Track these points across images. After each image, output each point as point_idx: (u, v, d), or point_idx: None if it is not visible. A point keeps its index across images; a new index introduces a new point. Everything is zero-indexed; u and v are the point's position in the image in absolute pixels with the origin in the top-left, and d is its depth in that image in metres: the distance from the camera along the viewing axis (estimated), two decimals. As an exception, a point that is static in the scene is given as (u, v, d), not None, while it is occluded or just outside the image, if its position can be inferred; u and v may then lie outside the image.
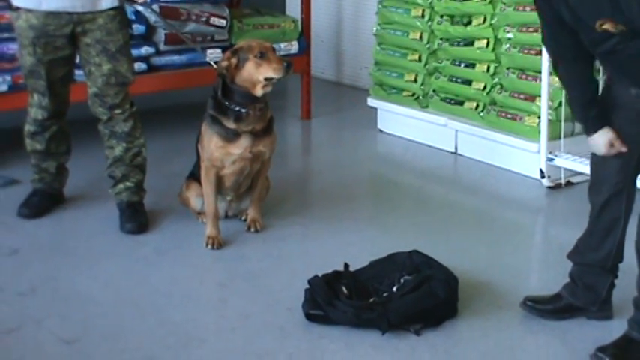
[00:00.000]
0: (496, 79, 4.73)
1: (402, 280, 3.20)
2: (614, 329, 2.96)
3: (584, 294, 3.11)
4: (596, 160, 3.00)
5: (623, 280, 3.10)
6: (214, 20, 5.00)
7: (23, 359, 2.93)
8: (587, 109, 2.92)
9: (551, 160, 4.39)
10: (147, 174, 4.02)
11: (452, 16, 4.90)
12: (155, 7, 4.74)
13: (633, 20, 2.60)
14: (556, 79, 4.24)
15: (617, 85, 2.86)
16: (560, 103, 4.37)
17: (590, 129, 2.91)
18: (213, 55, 4.82)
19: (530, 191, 4.43)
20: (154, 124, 5.08)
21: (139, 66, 4.69)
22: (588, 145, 2.96)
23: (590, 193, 3.05)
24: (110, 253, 3.71)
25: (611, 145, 2.88)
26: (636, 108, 2.83)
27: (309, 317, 3.13)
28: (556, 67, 3.02)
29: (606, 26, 2.64)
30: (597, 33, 2.67)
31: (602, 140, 2.88)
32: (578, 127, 4.25)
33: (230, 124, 3.68)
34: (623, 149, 2.88)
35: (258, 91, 3.65)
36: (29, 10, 3.67)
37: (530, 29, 4.49)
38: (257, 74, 3.61)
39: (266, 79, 3.62)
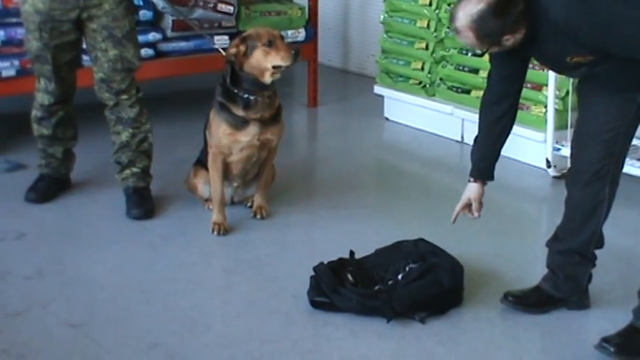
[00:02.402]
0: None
1: (407, 269, 3.21)
2: (619, 319, 2.96)
3: (566, 285, 3.11)
4: (577, 145, 3.01)
5: (600, 269, 3.12)
6: (222, 7, 4.99)
7: (29, 342, 2.95)
8: (479, 157, 3.12)
9: (557, 149, 4.38)
10: (153, 160, 4.02)
11: (460, 5, 4.88)
12: (163, -7, 4.73)
13: (598, 50, 2.72)
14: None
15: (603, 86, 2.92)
16: (567, 93, 4.36)
17: (470, 174, 3.13)
18: (220, 41, 4.82)
19: (537, 181, 4.43)
20: (161, 110, 5.08)
21: (146, 52, 4.69)
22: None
23: (569, 179, 3.06)
24: (116, 238, 3.72)
25: (469, 203, 3.10)
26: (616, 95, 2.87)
27: (314, 304, 3.14)
28: (486, 107, 3.09)
29: (577, 59, 2.79)
30: (570, 65, 2.82)
31: (467, 192, 3.13)
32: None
33: (239, 112, 3.68)
34: (475, 214, 3.12)
35: (267, 79, 3.64)
36: (35, -5, 3.67)
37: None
38: (265, 62, 3.61)
39: (274, 67, 3.62)
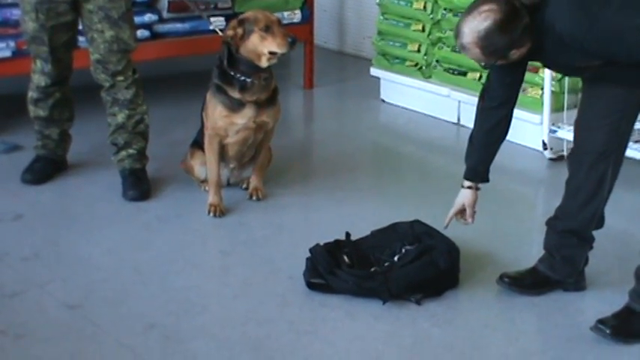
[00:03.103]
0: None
1: (403, 250, 3.22)
2: (615, 301, 2.98)
3: (562, 267, 3.11)
4: (580, 126, 3.01)
5: (596, 251, 3.14)
6: (218, -12, 4.96)
7: (26, 323, 2.95)
8: (475, 160, 3.09)
9: (554, 131, 4.38)
10: (149, 141, 4.02)
11: (456, -14, 4.87)
12: (159, -26, 4.71)
13: (605, 59, 2.73)
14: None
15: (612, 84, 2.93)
16: (563, 75, 4.36)
17: (464, 176, 3.12)
18: (216, 22, 4.79)
19: (533, 163, 4.44)
20: (157, 92, 5.07)
21: (142, 33, 4.67)
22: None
23: (573, 160, 3.05)
24: (112, 219, 3.72)
25: (462, 209, 3.10)
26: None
27: (311, 286, 3.15)
28: (484, 111, 3.07)
29: (585, 65, 2.81)
30: (580, 68, 2.85)
31: (460, 198, 3.12)
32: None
33: (235, 94, 3.67)
34: (469, 221, 3.12)
35: (263, 63, 3.63)
36: (32, -24, 3.65)
37: (536, 0, 4.46)
38: (261, 47, 3.60)
39: (270, 52, 3.61)
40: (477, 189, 3.13)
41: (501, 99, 3.01)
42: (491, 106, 3.03)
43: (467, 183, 3.13)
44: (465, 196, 3.13)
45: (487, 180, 3.14)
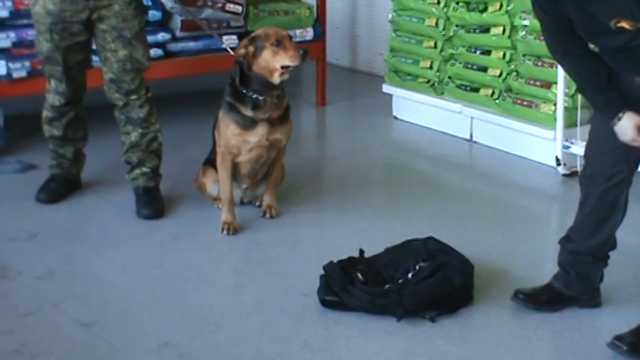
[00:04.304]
0: (512, 66, 4.71)
1: (417, 267, 3.21)
2: (631, 318, 2.96)
3: (577, 284, 3.10)
4: (592, 150, 2.98)
5: (611, 267, 3.12)
6: (230, 7, 4.97)
7: (41, 342, 2.96)
8: (605, 93, 2.84)
9: (567, 147, 4.37)
10: (163, 159, 4.03)
11: (468, 3, 4.88)
12: (171, -7, 4.74)
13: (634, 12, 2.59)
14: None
15: (621, 74, 2.83)
16: (576, 90, 4.35)
17: (612, 112, 2.80)
18: (229, 41, 4.82)
19: (546, 179, 4.42)
20: (170, 110, 5.10)
21: (155, 52, 4.70)
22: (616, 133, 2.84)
23: (585, 183, 3.02)
24: (126, 238, 3.73)
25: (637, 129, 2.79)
26: (637, 96, 2.80)
27: (325, 303, 3.15)
28: (561, 63, 2.96)
29: (623, 24, 2.62)
30: (610, 30, 2.64)
31: (629, 124, 2.78)
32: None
33: (247, 112, 3.68)
34: None
35: (276, 79, 3.65)
36: (46, -4, 3.69)
37: (547, 16, 4.46)
38: (274, 62, 3.62)
39: (283, 67, 3.62)
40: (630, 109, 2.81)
41: (563, 48, 2.84)
42: (557, 56, 2.89)
43: (619, 115, 2.80)
44: (631, 118, 2.77)
45: (625, 105, 2.80)
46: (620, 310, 3.11)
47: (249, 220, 3.87)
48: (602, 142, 2.93)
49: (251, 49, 3.64)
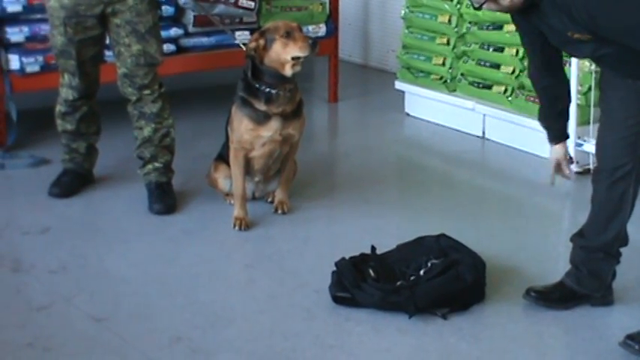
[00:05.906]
0: (525, 63, 4.69)
1: (429, 264, 3.20)
2: (643, 316, 2.96)
3: (589, 281, 3.09)
4: (598, 145, 3.02)
5: (624, 265, 3.11)
6: (243, 2, 4.99)
7: (54, 336, 2.97)
8: (551, 121, 3.13)
9: (580, 145, 4.35)
10: (175, 155, 4.04)
11: (481, 0, 4.86)
12: (185, -11, 4.75)
13: (591, 31, 2.71)
14: (586, 62, 4.26)
15: (614, 74, 2.89)
16: (589, 88, 4.33)
17: (547, 138, 3.16)
18: (241, 37, 4.83)
19: (559, 176, 4.40)
20: (183, 105, 5.10)
21: (167, 47, 4.70)
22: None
23: (593, 179, 3.05)
24: (139, 233, 3.74)
25: (558, 164, 3.13)
26: (634, 89, 2.85)
27: (336, 300, 3.15)
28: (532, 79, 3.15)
29: (577, 36, 2.78)
30: (573, 40, 2.81)
31: (552, 155, 3.16)
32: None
33: (261, 106, 3.69)
34: (566, 172, 3.16)
35: (288, 71, 3.65)
36: (61, -9, 3.70)
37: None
38: (284, 54, 3.62)
39: (293, 58, 3.63)
40: (564, 142, 3.17)
41: (535, 65, 3.06)
42: (531, 72, 3.14)
43: (551, 143, 3.18)
44: (555, 152, 3.17)
45: (567, 136, 3.18)
46: (633, 309, 3.11)
47: (261, 215, 3.88)
48: (605, 134, 2.96)
49: (262, 42, 3.65)
